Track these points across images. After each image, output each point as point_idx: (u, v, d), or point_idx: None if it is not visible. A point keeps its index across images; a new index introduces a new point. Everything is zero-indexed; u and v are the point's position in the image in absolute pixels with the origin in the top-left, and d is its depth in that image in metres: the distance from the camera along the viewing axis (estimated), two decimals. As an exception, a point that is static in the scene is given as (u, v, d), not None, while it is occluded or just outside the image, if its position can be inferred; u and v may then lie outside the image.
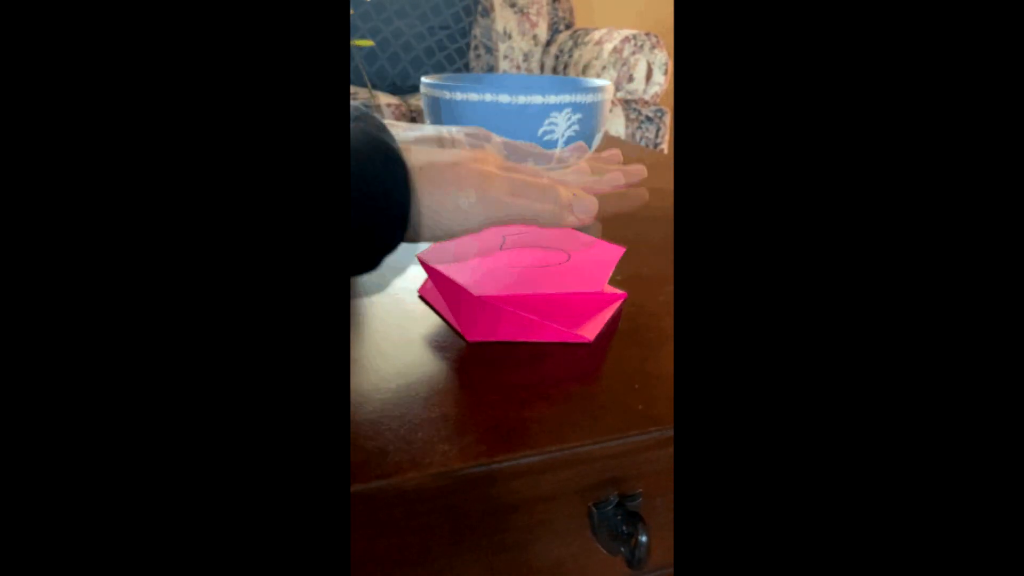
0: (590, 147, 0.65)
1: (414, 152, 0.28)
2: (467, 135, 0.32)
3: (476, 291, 0.32)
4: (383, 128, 0.28)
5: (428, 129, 0.31)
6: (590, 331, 0.34)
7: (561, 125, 0.61)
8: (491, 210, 0.28)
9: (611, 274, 0.37)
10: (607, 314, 0.36)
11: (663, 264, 0.45)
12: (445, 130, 0.32)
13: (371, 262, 0.27)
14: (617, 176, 0.34)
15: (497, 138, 0.35)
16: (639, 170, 0.36)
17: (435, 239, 0.29)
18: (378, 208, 0.25)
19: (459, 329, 0.34)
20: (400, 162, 0.26)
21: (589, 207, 0.30)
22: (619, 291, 0.39)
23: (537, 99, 0.59)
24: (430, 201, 0.27)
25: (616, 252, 0.38)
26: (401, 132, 0.30)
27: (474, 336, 0.33)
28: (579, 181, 0.33)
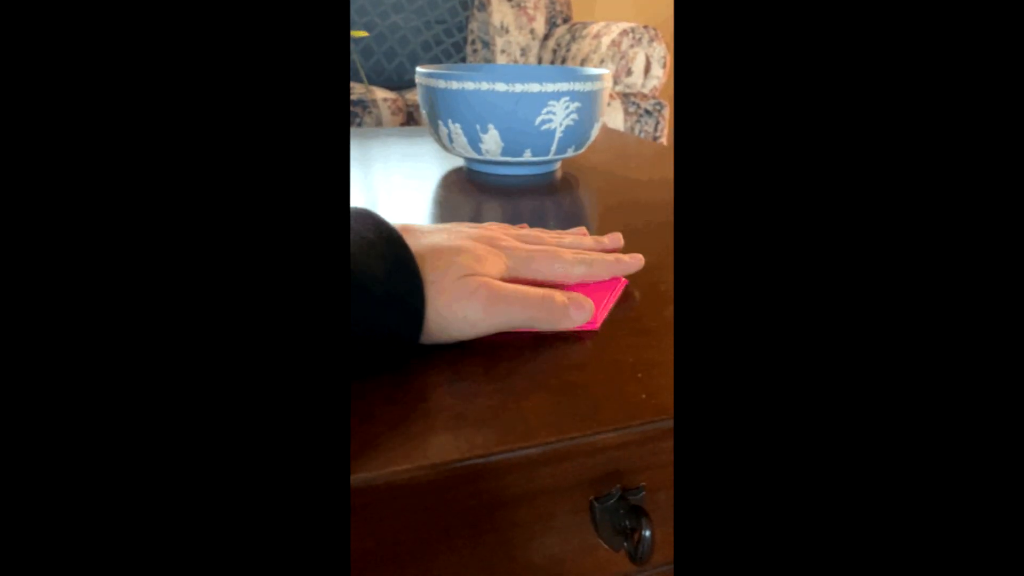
0: (589, 138, 0.64)
1: (427, 264, 0.30)
2: (476, 233, 0.35)
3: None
4: (398, 239, 0.29)
5: (438, 235, 0.33)
6: (596, 319, 0.33)
7: (559, 114, 0.60)
8: (494, 320, 0.31)
9: (616, 293, 0.37)
10: (610, 303, 0.35)
11: (664, 254, 0.44)
12: (454, 232, 0.34)
13: (383, 365, 0.29)
14: (615, 267, 0.37)
15: (503, 231, 0.38)
16: (637, 261, 0.38)
17: (441, 341, 0.31)
18: (394, 317, 0.27)
19: None
20: (418, 279, 0.28)
21: (585, 309, 0.33)
22: (620, 278, 0.38)
23: (535, 87, 0.58)
24: (437, 312, 0.29)
25: (619, 283, 0.38)
26: (415, 237, 0.33)
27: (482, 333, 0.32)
28: (578, 269, 0.36)
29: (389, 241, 0.28)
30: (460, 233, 0.34)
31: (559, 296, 0.32)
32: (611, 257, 0.37)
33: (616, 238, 0.41)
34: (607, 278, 0.37)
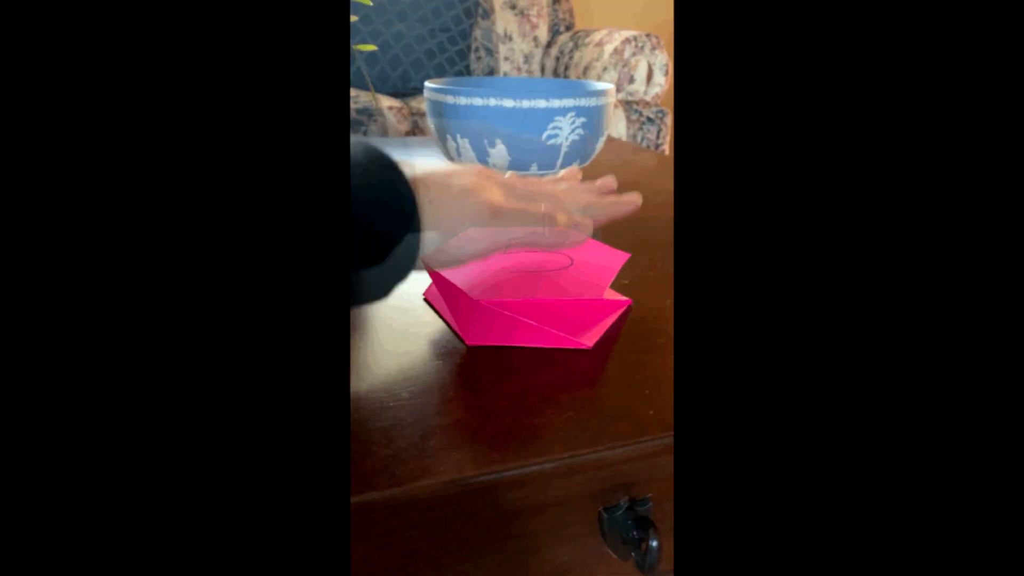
0: (593, 151, 0.65)
1: (423, 184, 0.30)
2: (472, 168, 0.35)
3: (474, 295, 0.32)
4: (393, 165, 0.29)
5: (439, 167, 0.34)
6: (590, 338, 0.34)
7: (565, 129, 0.61)
8: (495, 236, 0.31)
9: (613, 278, 0.37)
10: (609, 321, 0.36)
11: (669, 267, 0.45)
12: (453, 168, 0.34)
13: (380, 255, 0.28)
14: (613, 207, 0.38)
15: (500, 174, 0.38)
16: (633, 202, 0.38)
17: (439, 265, 0.31)
18: (383, 202, 0.27)
19: (459, 332, 0.34)
20: (403, 177, 0.28)
21: (584, 228, 0.33)
22: (623, 297, 0.39)
23: (541, 103, 0.59)
24: (437, 230, 0.30)
25: (620, 258, 0.38)
26: (411, 167, 0.33)
27: (472, 339, 0.33)
28: (575, 199, 0.36)
29: (383, 165, 0.28)
30: (457, 168, 0.34)
31: (561, 215, 0.33)
32: (606, 199, 0.38)
33: (608, 181, 0.42)
34: (604, 218, 0.38)
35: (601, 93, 0.62)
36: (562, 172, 0.41)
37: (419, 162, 0.33)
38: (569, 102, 0.60)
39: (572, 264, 0.37)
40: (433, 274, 0.36)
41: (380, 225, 0.28)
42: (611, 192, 0.41)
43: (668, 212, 0.59)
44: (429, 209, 0.29)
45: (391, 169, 0.28)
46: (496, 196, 0.33)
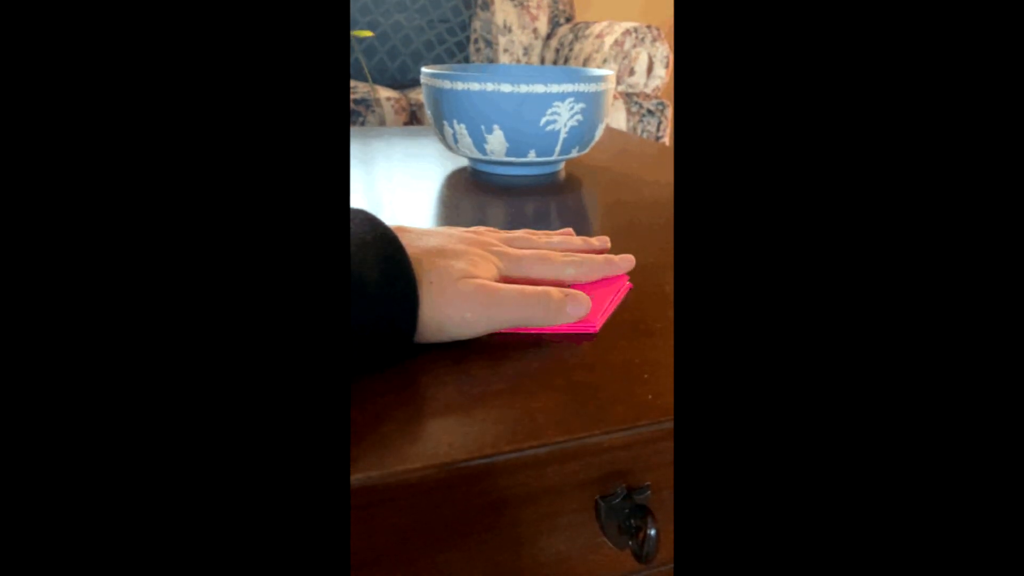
0: (593, 138, 0.65)
1: (424, 269, 0.30)
2: (468, 237, 0.36)
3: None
4: (394, 240, 0.29)
5: (433, 238, 0.34)
6: (595, 322, 0.33)
7: (563, 115, 0.60)
8: (491, 321, 0.31)
9: (613, 309, 0.37)
10: (612, 305, 0.36)
11: (668, 254, 0.44)
12: (447, 236, 0.35)
13: (379, 365, 0.29)
14: (605, 268, 0.38)
15: (493, 235, 0.38)
16: (627, 262, 0.39)
17: (436, 341, 0.31)
18: (389, 317, 0.28)
19: None
20: (413, 281, 0.29)
21: (581, 304, 0.33)
22: (625, 281, 0.38)
23: (539, 88, 0.58)
24: (434, 314, 0.30)
25: (622, 285, 0.38)
26: (410, 239, 0.33)
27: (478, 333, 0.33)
28: (569, 271, 0.36)
29: (384, 240, 0.29)
30: (453, 237, 0.35)
31: (555, 292, 0.33)
32: (600, 258, 0.38)
33: (604, 240, 0.42)
34: (597, 279, 0.37)
35: (600, 79, 0.61)
36: (557, 233, 0.42)
37: (410, 231, 0.34)
38: (568, 87, 0.59)
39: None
40: None
41: (388, 328, 0.28)
42: (605, 251, 0.42)
43: (665, 199, 0.58)
44: (429, 294, 0.30)
45: (407, 283, 0.29)
46: (490, 272, 0.33)
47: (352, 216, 0.30)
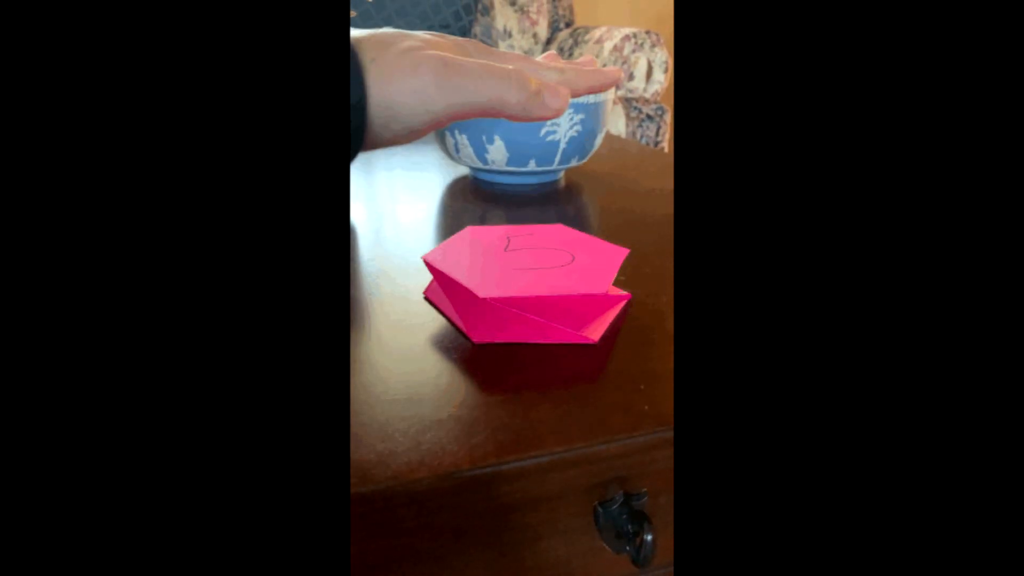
0: (592, 147, 0.65)
1: (364, 45, 0.25)
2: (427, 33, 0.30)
3: (481, 293, 0.33)
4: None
5: (387, 31, 0.28)
6: (595, 332, 0.34)
7: (564, 125, 0.61)
8: (451, 96, 0.26)
9: (615, 275, 0.37)
10: (612, 315, 0.36)
11: (666, 263, 0.45)
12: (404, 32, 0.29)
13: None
14: (592, 77, 0.32)
15: (463, 40, 0.31)
16: (614, 74, 0.33)
17: (396, 138, 0.26)
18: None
19: (464, 330, 0.34)
20: (350, 55, 0.24)
21: (560, 96, 0.28)
22: (623, 292, 0.39)
23: (540, 100, 0.59)
24: (382, 91, 0.25)
25: (620, 253, 0.39)
26: (354, 31, 0.28)
27: (479, 337, 0.34)
28: (552, 75, 0.30)
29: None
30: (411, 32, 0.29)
31: (532, 78, 0.27)
32: (587, 68, 0.32)
33: (589, 59, 0.35)
34: (583, 89, 0.32)
35: (600, 89, 0.62)
36: (542, 56, 0.35)
37: (371, 45, 0.28)
38: (568, 98, 0.60)
39: (574, 260, 0.37)
40: (435, 272, 0.36)
41: None
42: (591, 65, 0.35)
43: (664, 209, 0.59)
44: (374, 70, 0.25)
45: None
46: (449, 50, 0.28)
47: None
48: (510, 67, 0.27)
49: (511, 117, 0.27)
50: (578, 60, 0.35)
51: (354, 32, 0.26)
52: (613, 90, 0.64)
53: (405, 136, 0.26)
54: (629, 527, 0.27)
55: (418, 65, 0.25)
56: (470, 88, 0.26)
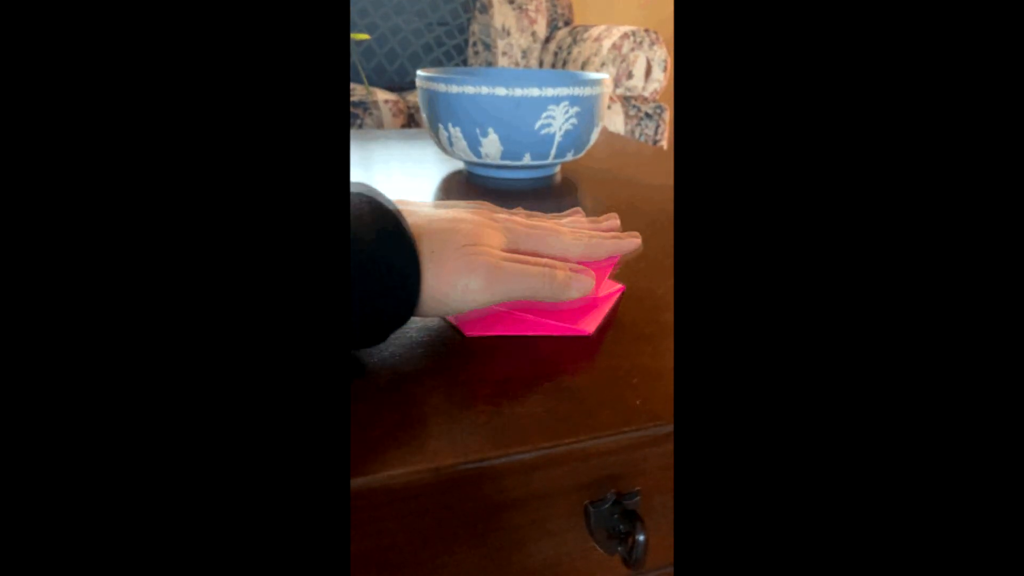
0: (588, 141, 0.65)
1: (426, 239, 0.30)
2: (474, 210, 0.34)
3: None
4: (392, 212, 0.29)
5: (437, 211, 0.33)
6: (589, 324, 0.33)
7: (559, 118, 0.60)
8: (495, 294, 0.30)
9: (612, 268, 0.37)
10: (605, 307, 0.35)
11: (662, 258, 0.44)
12: (452, 208, 0.34)
13: (379, 337, 0.29)
14: (613, 247, 0.36)
15: (501, 213, 0.36)
16: (635, 242, 0.37)
17: (437, 315, 0.31)
18: (388, 288, 0.27)
19: (456, 323, 0.33)
20: (413, 249, 0.28)
21: (586, 284, 0.32)
22: (617, 284, 0.38)
23: (534, 91, 0.58)
24: (437, 284, 0.29)
25: (612, 261, 0.38)
26: (412, 210, 0.32)
27: (471, 330, 0.33)
28: (577, 249, 0.35)
29: (382, 213, 0.28)
30: (458, 208, 0.34)
31: (560, 270, 0.32)
32: (609, 238, 0.36)
33: (613, 222, 0.40)
34: (605, 257, 0.36)
35: (595, 82, 0.61)
36: (567, 214, 0.40)
37: (414, 205, 0.33)
38: (563, 91, 0.59)
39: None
40: None
41: (385, 312, 0.28)
42: (615, 228, 0.40)
43: (660, 204, 0.58)
44: (432, 267, 0.29)
45: (406, 248, 0.28)
46: (496, 242, 0.32)
47: (352, 193, 0.29)
48: (544, 265, 0.32)
49: (542, 304, 0.33)
50: (602, 221, 0.39)
51: (413, 219, 0.31)
52: (609, 82, 0.63)
53: (448, 314, 0.31)
54: (621, 527, 0.26)
55: (471, 269, 0.29)
56: (512, 288, 0.30)
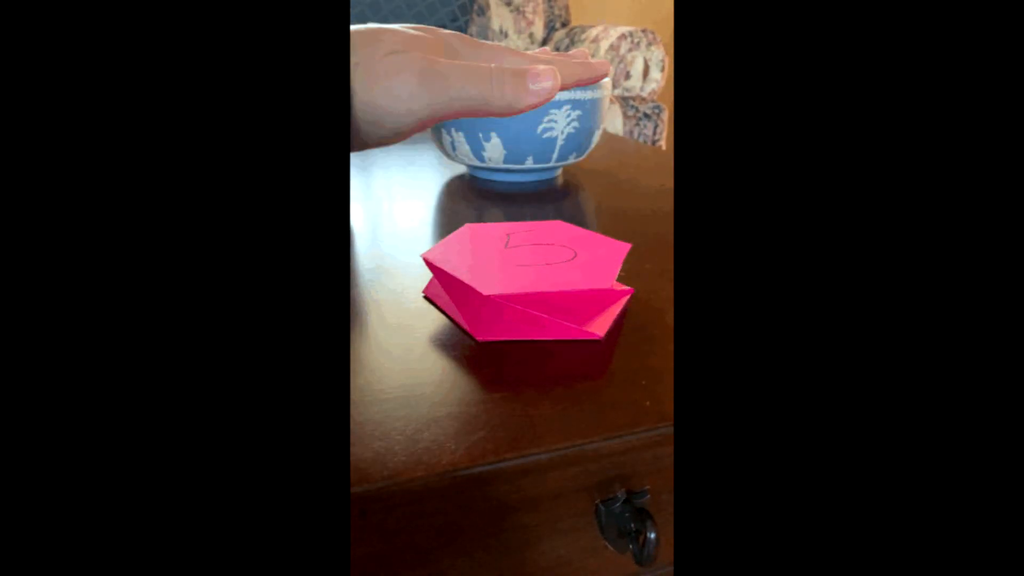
0: (590, 144, 0.65)
1: (351, 51, 0.26)
2: (408, 27, 0.29)
3: (484, 291, 0.32)
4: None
5: (370, 27, 0.28)
6: (600, 327, 0.34)
7: (560, 122, 0.60)
8: (433, 97, 0.26)
9: (619, 269, 0.37)
10: (615, 310, 0.36)
11: (666, 260, 0.45)
12: (385, 26, 0.29)
13: None
14: (580, 70, 0.31)
15: (447, 32, 0.31)
16: (603, 65, 0.32)
17: (382, 140, 0.26)
18: None
19: (467, 328, 0.34)
20: None
21: (543, 77, 0.27)
22: (626, 287, 0.39)
23: (536, 96, 0.58)
24: (367, 96, 0.25)
25: (622, 249, 0.38)
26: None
27: (483, 335, 0.33)
28: (536, 59, 0.30)
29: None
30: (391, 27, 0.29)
31: (511, 68, 0.27)
32: (575, 61, 0.32)
33: (582, 52, 0.35)
34: (571, 80, 0.31)
35: (597, 86, 0.62)
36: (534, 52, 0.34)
37: (353, 49, 0.27)
38: (564, 94, 0.59)
39: (576, 257, 0.37)
40: (436, 270, 0.35)
41: None
42: (583, 58, 0.34)
43: (663, 205, 0.58)
44: (358, 74, 0.25)
45: None
46: (433, 50, 0.28)
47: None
48: (492, 65, 0.26)
49: (499, 113, 0.27)
50: (571, 52, 0.34)
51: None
52: (610, 86, 0.64)
53: (391, 137, 0.26)
54: (631, 525, 0.27)
55: (401, 69, 0.25)
56: (452, 89, 0.26)
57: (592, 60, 0.32)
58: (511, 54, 0.30)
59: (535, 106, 0.27)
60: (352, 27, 0.28)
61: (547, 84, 0.27)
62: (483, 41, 0.31)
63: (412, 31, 0.29)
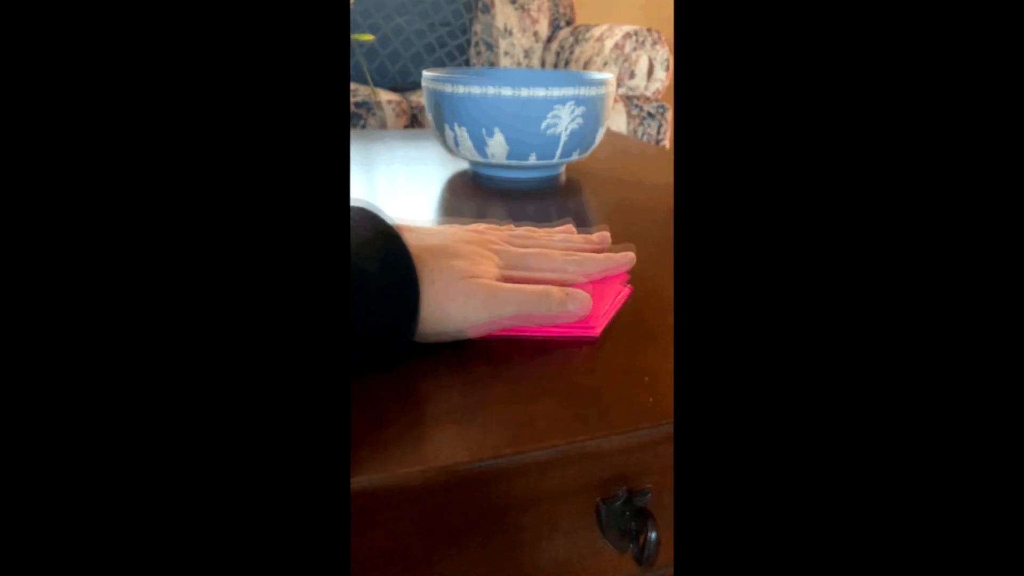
0: (593, 142, 0.65)
1: (427, 265, 0.30)
2: (471, 236, 0.36)
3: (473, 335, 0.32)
4: (395, 236, 0.30)
5: (436, 237, 0.34)
6: (596, 326, 0.33)
7: (564, 118, 0.60)
8: (493, 314, 0.31)
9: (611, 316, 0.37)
10: (613, 308, 0.36)
11: (668, 257, 0.45)
12: (450, 235, 0.35)
13: (379, 362, 0.29)
14: (605, 262, 0.38)
15: (495, 233, 0.38)
16: (627, 256, 0.39)
17: (438, 338, 0.31)
18: (389, 313, 0.28)
19: None
20: (414, 276, 0.29)
21: (582, 302, 0.33)
22: (624, 286, 0.38)
23: (540, 92, 0.58)
24: (436, 313, 0.30)
25: (621, 290, 0.38)
26: (413, 238, 0.33)
27: (480, 331, 0.33)
28: (570, 268, 0.37)
29: (385, 238, 0.29)
30: (455, 235, 0.35)
31: (555, 290, 0.33)
32: (601, 255, 0.38)
33: (604, 236, 0.42)
34: (598, 276, 0.37)
35: (601, 83, 0.61)
36: (558, 228, 0.42)
37: (412, 227, 0.34)
38: (568, 91, 0.59)
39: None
40: None
41: (383, 322, 0.28)
42: (604, 247, 0.42)
43: (666, 203, 0.58)
44: (432, 292, 0.30)
45: (408, 283, 0.29)
46: (492, 270, 0.33)
47: (353, 212, 0.30)
48: (540, 288, 0.33)
49: (540, 324, 0.33)
50: (593, 237, 0.42)
51: (414, 245, 0.31)
52: (613, 83, 0.63)
53: (446, 338, 0.31)
54: (632, 525, 0.27)
55: (472, 295, 0.31)
56: (508, 311, 0.32)
57: (616, 255, 0.39)
58: (547, 258, 0.36)
59: (568, 322, 0.33)
60: (429, 232, 0.34)
61: (583, 308, 0.33)
62: (530, 232, 0.39)
63: (476, 238, 0.35)
